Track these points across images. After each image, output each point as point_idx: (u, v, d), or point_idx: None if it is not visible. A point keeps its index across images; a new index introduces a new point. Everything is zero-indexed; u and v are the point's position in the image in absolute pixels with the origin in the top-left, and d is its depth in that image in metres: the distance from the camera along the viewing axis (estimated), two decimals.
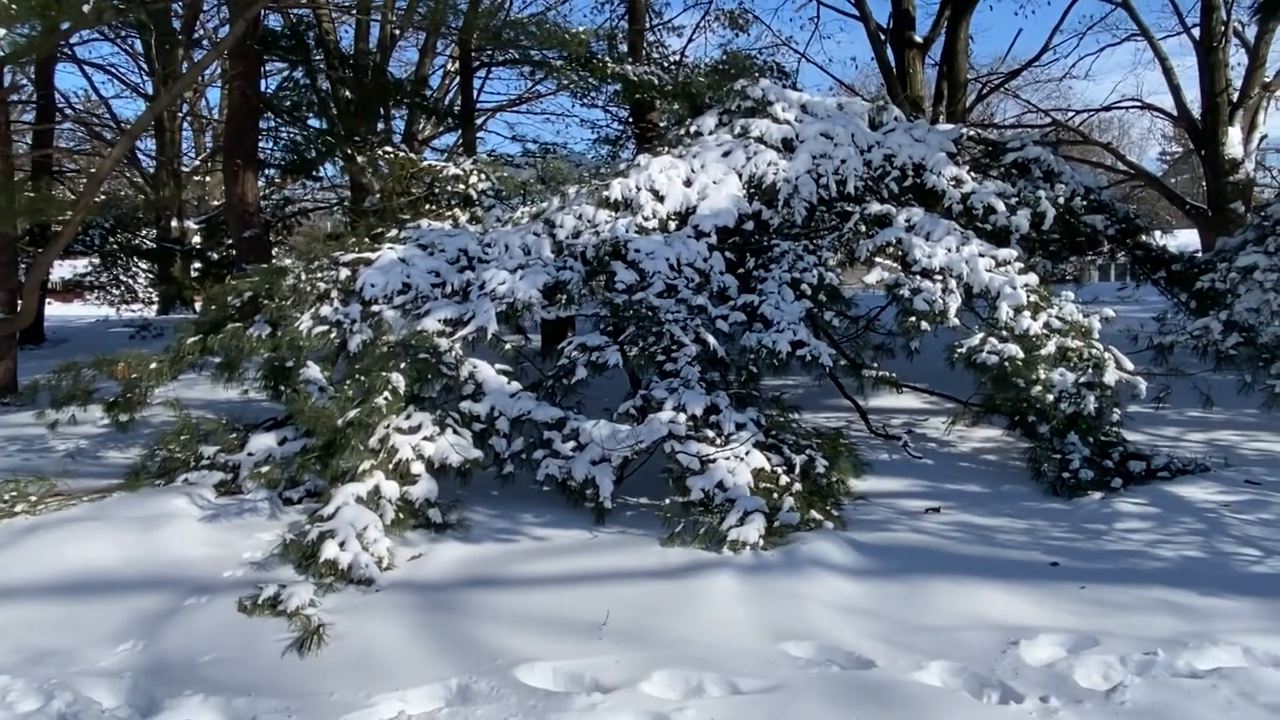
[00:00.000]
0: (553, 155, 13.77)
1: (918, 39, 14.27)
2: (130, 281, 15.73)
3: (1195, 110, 14.36)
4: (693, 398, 5.32)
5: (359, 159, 10.65)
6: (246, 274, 6.65)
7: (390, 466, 4.89)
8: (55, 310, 16.42)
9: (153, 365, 6.01)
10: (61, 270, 15.01)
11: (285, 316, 5.99)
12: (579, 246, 6.57)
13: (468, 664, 3.46)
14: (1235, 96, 13.71)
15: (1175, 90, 14.78)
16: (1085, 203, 7.59)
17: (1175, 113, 15.08)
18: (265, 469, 5.34)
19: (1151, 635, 3.56)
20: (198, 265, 16.53)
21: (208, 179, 20.87)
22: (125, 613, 3.95)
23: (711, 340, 5.84)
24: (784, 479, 5.09)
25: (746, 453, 5.11)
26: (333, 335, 5.89)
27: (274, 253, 12.02)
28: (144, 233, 15.86)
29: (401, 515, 4.78)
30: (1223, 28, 13.61)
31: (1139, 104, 17.96)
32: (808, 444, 5.60)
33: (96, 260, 14.96)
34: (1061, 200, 7.24)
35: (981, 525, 5.02)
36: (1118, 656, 3.39)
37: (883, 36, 14.50)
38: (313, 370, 5.54)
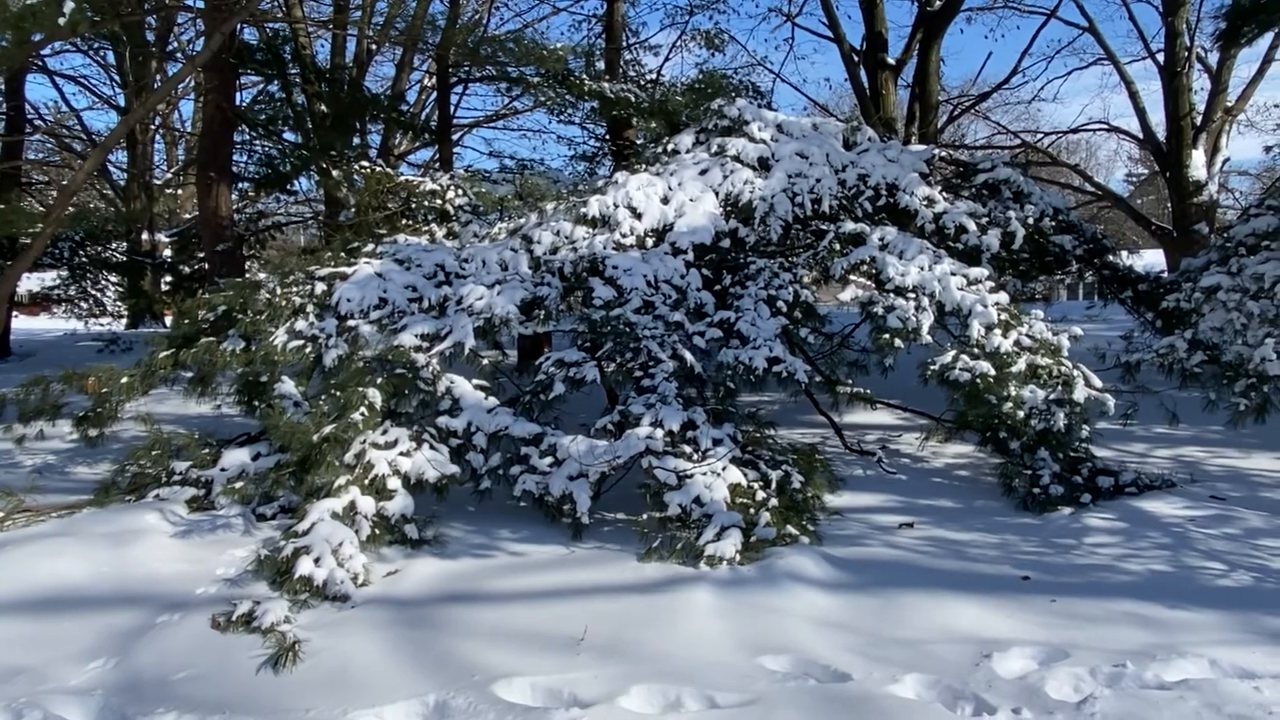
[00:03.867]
0: (530, 171, 13.82)
1: (890, 61, 14.54)
2: (99, 295, 15.51)
3: (1160, 133, 14.76)
4: (670, 413, 5.35)
5: (335, 173, 10.63)
6: (220, 288, 6.60)
7: (366, 482, 4.87)
8: (21, 324, 16.15)
9: (124, 380, 5.94)
10: (29, 283, 14.79)
11: (259, 331, 5.96)
12: (557, 262, 6.60)
13: (445, 680, 3.45)
14: (1199, 120, 14.08)
15: (1141, 114, 15.16)
16: (1054, 223, 7.75)
17: (1141, 135, 15.47)
18: (239, 484, 5.30)
19: (1120, 648, 3.63)
20: (169, 279, 16.34)
21: (180, 192, 20.70)
22: (96, 630, 3.90)
23: (688, 356, 5.88)
24: (760, 494, 5.13)
25: (723, 468, 5.14)
26: (308, 350, 5.87)
27: (248, 267, 11.93)
28: (114, 246, 15.67)
29: (378, 531, 4.75)
30: (1186, 53, 13.99)
31: (1106, 127, 18.42)
32: (784, 459, 5.66)
33: (65, 273, 14.75)
34: (1031, 220, 7.39)
35: (954, 540, 5.08)
36: (1088, 669, 3.46)
37: (856, 58, 14.76)
38: (287, 385, 5.51)
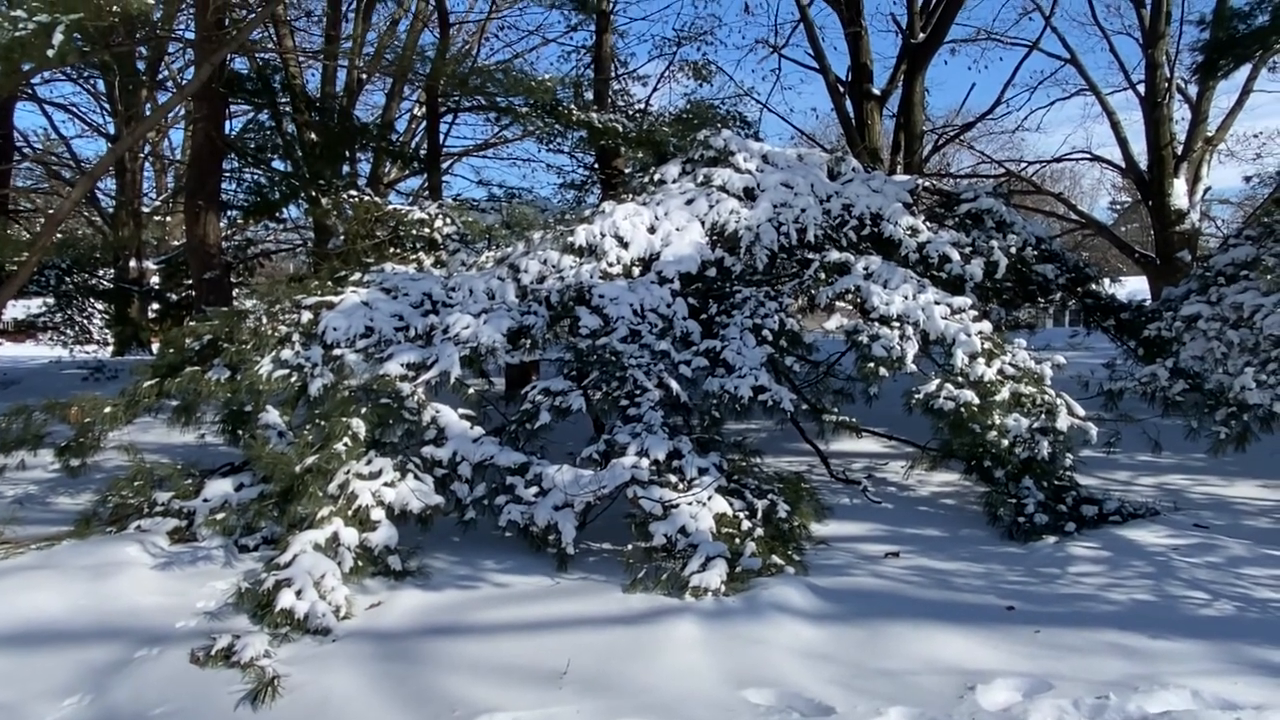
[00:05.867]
0: (518, 200, 13.92)
1: (876, 91, 14.73)
2: (85, 322, 15.44)
3: (1142, 162, 14.97)
4: (656, 442, 5.36)
5: (323, 201, 10.67)
6: (206, 316, 6.60)
7: (350, 513, 4.85)
8: (6, 351, 16.04)
9: (107, 409, 5.91)
10: (14, 310, 14.72)
11: (245, 360, 5.94)
12: (543, 291, 6.63)
13: (427, 714, 3.41)
14: (1180, 150, 14.28)
15: (1123, 143, 15.37)
16: (1036, 252, 7.83)
17: (1123, 165, 15.66)
18: (221, 515, 5.26)
19: (1103, 679, 3.63)
20: (156, 307, 16.31)
21: (168, 219, 20.68)
22: (73, 665, 3.85)
23: (674, 385, 5.89)
24: (746, 524, 5.12)
25: (709, 498, 5.14)
26: (293, 379, 5.85)
27: (235, 295, 11.91)
28: (101, 273, 15.63)
29: (360, 563, 4.72)
30: (1166, 85, 14.23)
31: (1089, 156, 18.66)
32: (770, 488, 5.65)
33: (51, 300, 14.69)
34: (1014, 250, 7.47)
35: (939, 569, 5.09)
36: (1071, 700, 3.45)
37: (842, 89, 14.93)
38: (272, 415, 5.49)
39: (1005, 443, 5.87)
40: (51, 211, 12.77)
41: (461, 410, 5.67)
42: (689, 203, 7.43)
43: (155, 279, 17.62)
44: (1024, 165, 18.81)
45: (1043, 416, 5.97)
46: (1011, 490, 5.91)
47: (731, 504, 5.23)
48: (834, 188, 7.76)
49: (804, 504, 5.73)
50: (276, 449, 5.10)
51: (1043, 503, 5.77)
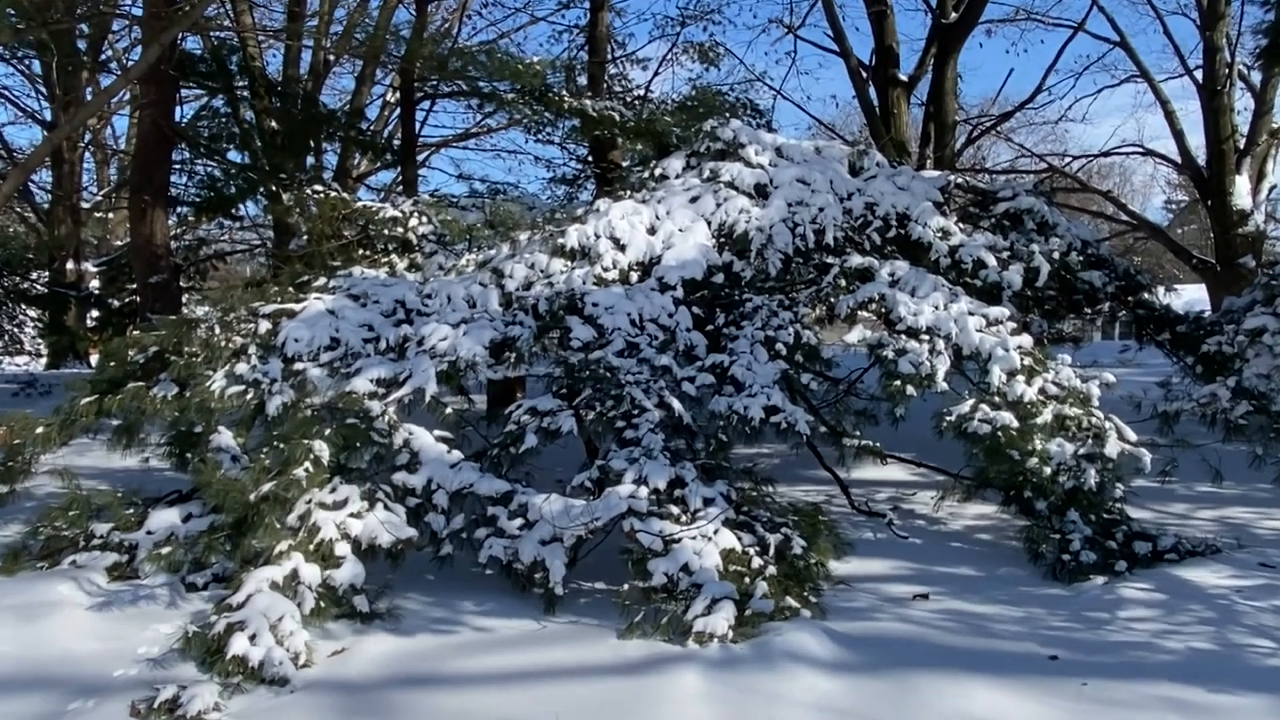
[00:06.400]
0: (503, 196, 13.95)
1: (902, 77, 14.79)
2: (16, 331, 15.46)
3: (1200, 157, 14.94)
4: (656, 469, 5.36)
5: (284, 197, 10.71)
6: (152, 325, 6.61)
7: (311, 547, 4.85)
8: None
9: (39, 429, 5.91)
10: None
11: (195, 375, 5.95)
12: (530, 299, 6.65)
13: None
14: (1242, 143, 14.30)
15: (1178, 136, 15.39)
16: (1082, 257, 7.87)
17: (1179, 160, 15.70)
18: (166, 550, 5.25)
19: None
20: (95, 314, 16.33)
21: (111, 216, 20.74)
22: None
23: (677, 405, 5.90)
24: (757, 561, 5.12)
25: (715, 531, 5.13)
26: (249, 396, 5.86)
27: (184, 301, 11.93)
28: (35, 276, 15.66)
29: (323, 603, 4.72)
30: (1227, 71, 14.21)
31: (1140, 149, 18.70)
32: (783, 521, 5.65)
33: None
34: (1057, 254, 7.51)
35: (974, 613, 5.08)
36: None
37: (865, 74, 15.00)
38: (225, 437, 5.50)
39: (1047, 471, 5.87)
40: None
41: (438, 432, 5.67)
42: (694, 200, 7.47)
43: (95, 283, 17.66)
44: (1068, 160, 18.94)
45: (1089, 441, 5.98)
46: (1055, 524, 5.90)
47: (741, 538, 5.22)
48: (856, 184, 7.80)
49: (822, 539, 5.73)
50: (229, 475, 5.10)
51: (1090, 538, 5.76)
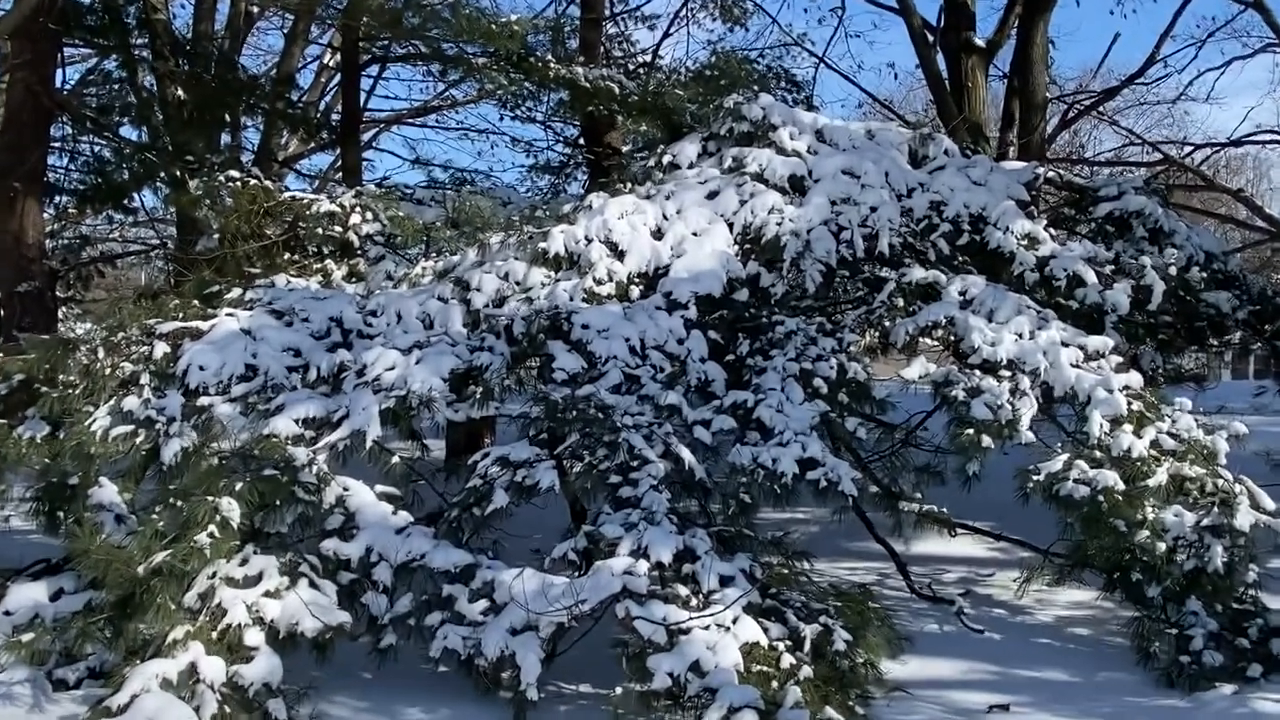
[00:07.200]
0: (470, 188, 13.99)
1: (979, 42, 14.82)
2: None
3: None
4: (659, 537, 5.34)
5: (191, 185, 10.73)
6: (19, 346, 6.62)
7: (214, 635, 4.83)
8: None
9: None
10: None
11: (72, 411, 5.96)
12: (503, 318, 6.66)
13: None
14: None
15: None
16: (1206, 274, 7.86)
17: None
18: (29, 636, 5.21)
19: None
20: None
21: None
22: None
23: (687, 455, 5.89)
24: (788, 659, 5.08)
25: (734, 619, 5.10)
26: (140, 439, 5.86)
27: (61, 316, 11.94)
28: None
29: (228, 708, 4.69)
30: None
31: None
32: (822, 608, 5.62)
33: None
34: (1174, 270, 7.51)
35: None
36: None
37: (931, 38, 15.06)
38: (108, 491, 5.49)
39: (1162, 547, 5.84)
40: None
41: (380, 488, 5.67)
42: (711, 196, 7.49)
43: None
44: (1189, 150, 18.96)
45: (1215, 510, 5.96)
46: (1171, 616, 5.87)
47: (767, 629, 5.20)
48: (918, 178, 7.84)
49: (872, 631, 5.69)
50: (112, 540, 5.09)
51: (1216, 634, 5.73)
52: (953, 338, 6.66)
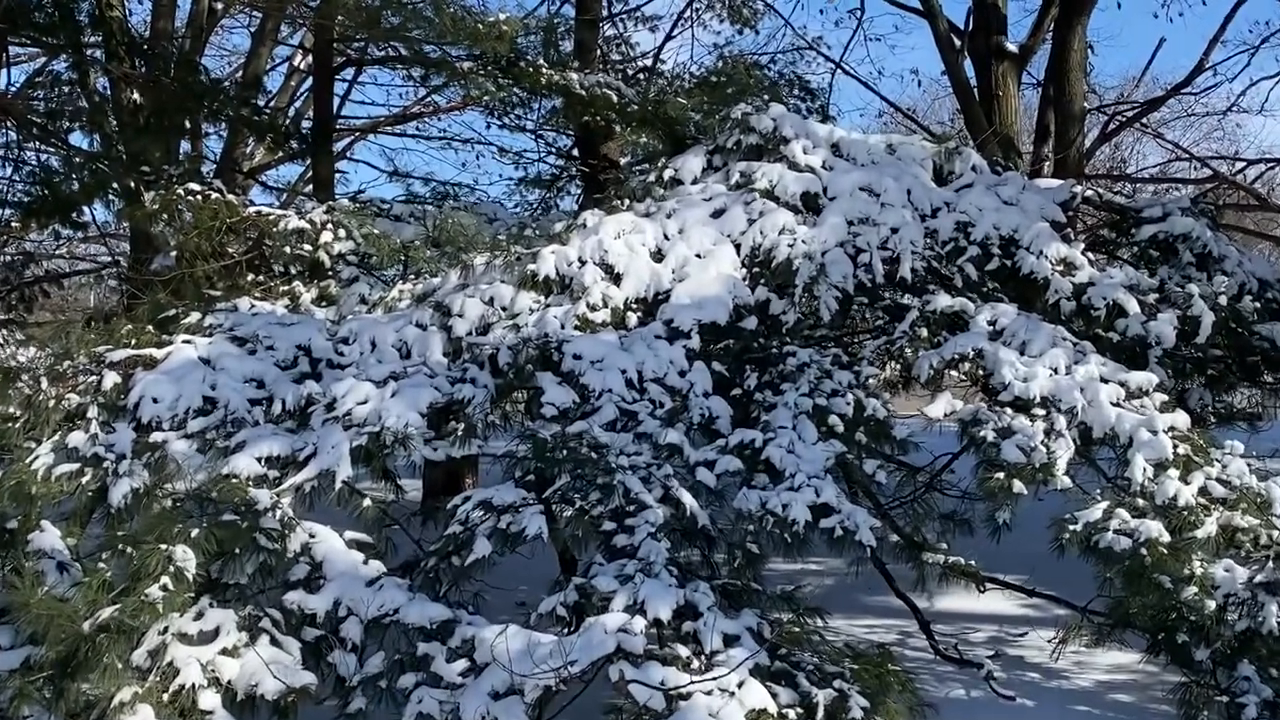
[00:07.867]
0: (453, 203, 14.02)
1: (1011, 47, 14.91)
2: None
3: None
4: (657, 591, 5.32)
5: (147, 198, 10.74)
6: None
7: (166, 697, 4.80)
8: None
9: None
10: None
11: (12, 447, 5.98)
12: (487, 347, 6.67)
13: None
14: None
15: None
16: (1260, 303, 7.89)
17: None
18: None
19: None
20: None
21: None
22: None
23: (689, 500, 5.88)
24: None
25: (740, 683, 5.07)
26: (86, 479, 5.85)
27: (1, 342, 11.95)
28: None
29: None
30: None
31: None
32: (837, 670, 5.59)
33: None
34: (1224, 299, 7.52)
35: None
36: None
37: (958, 42, 15.15)
38: (50, 536, 5.47)
39: (1211, 605, 5.83)
40: None
41: (350, 534, 5.66)
42: (717, 215, 7.52)
43: None
44: (1241, 166, 19.05)
45: (1270, 564, 5.95)
46: (1221, 681, 5.86)
47: (776, 694, 5.16)
48: (944, 196, 7.87)
49: (892, 697, 5.66)
50: (55, 592, 5.07)
51: (1271, 702, 5.70)
52: (981, 372, 6.67)
